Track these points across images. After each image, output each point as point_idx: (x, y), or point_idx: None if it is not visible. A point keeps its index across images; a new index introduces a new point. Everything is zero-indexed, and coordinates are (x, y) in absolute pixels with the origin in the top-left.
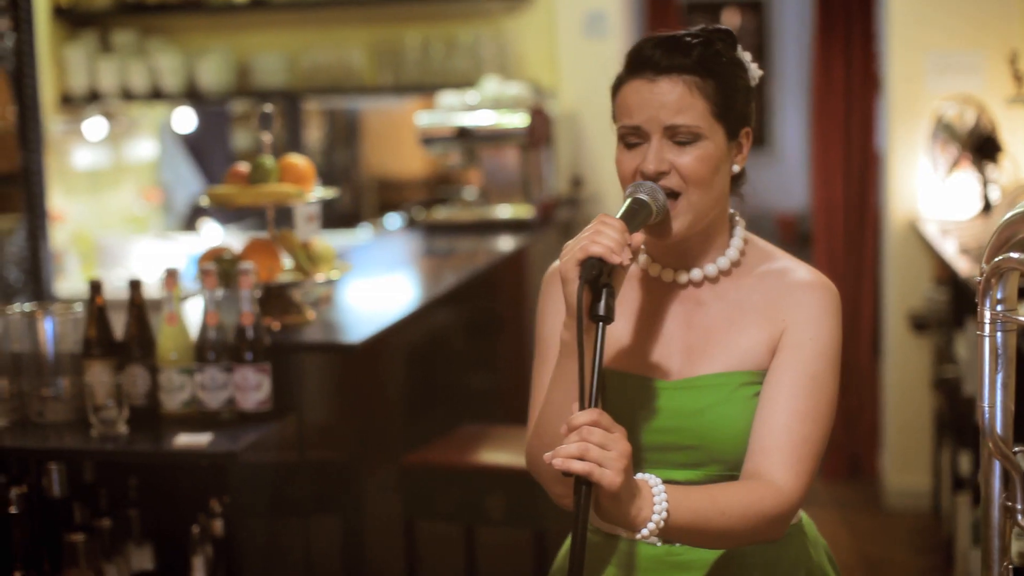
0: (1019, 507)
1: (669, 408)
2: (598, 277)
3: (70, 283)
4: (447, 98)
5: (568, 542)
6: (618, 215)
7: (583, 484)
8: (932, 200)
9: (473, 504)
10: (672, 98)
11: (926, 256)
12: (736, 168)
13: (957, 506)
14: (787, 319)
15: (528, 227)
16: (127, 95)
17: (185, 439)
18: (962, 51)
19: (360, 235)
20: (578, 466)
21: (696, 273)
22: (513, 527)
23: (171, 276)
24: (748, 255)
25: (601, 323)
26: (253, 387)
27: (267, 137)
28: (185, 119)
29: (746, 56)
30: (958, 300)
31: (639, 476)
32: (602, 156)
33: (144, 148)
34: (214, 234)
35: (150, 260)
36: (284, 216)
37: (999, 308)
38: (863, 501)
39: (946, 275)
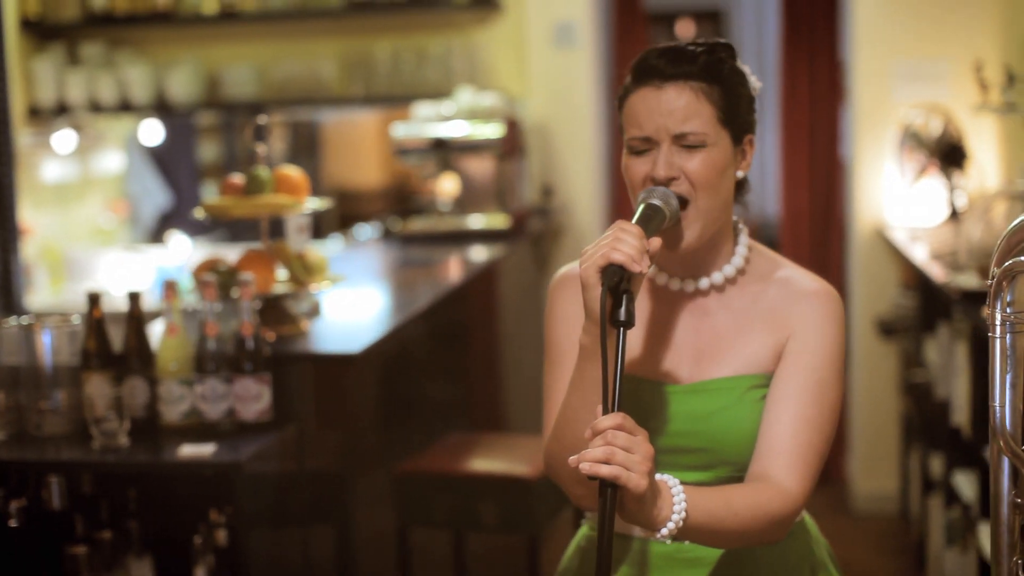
0: None
1: (680, 412)
2: (619, 283)
3: (39, 296)
4: (422, 109)
5: (574, 542)
6: (633, 221)
7: (608, 487)
8: (899, 207)
9: (466, 510)
10: (680, 104)
11: (893, 262)
12: (740, 174)
13: (929, 508)
14: (792, 326)
15: (503, 237)
16: (96, 108)
17: (189, 450)
18: (927, 60)
19: (331, 246)
20: (605, 470)
21: (704, 282)
22: (506, 533)
23: (171, 288)
24: (753, 263)
25: (622, 328)
26: (253, 397)
27: (261, 148)
28: (152, 131)
29: (746, 68)
30: (927, 305)
31: (657, 476)
32: (572, 166)
33: (111, 161)
34: (182, 247)
35: (119, 273)
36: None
37: (1009, 311)
38: (831, 505)
39: (914, 281)
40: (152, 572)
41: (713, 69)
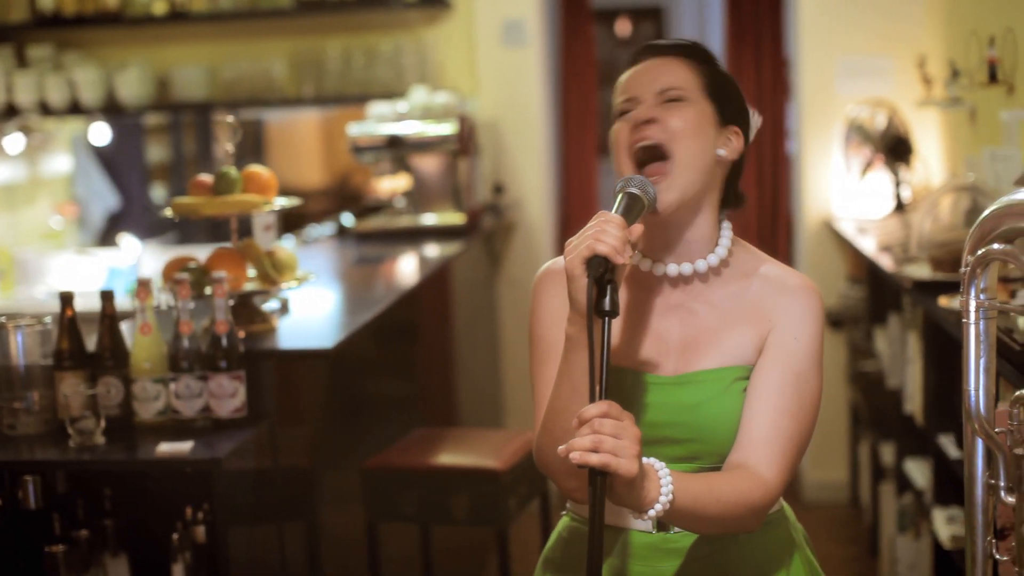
0: (1002, 484)
1: (665, 403)
2: (603, 274)
3: None
4: (377, 107)
5: (556, 532)
6: (613, 211)
7: (598, 476)
8: (846, 200)
9: (436, 504)
10: (665, 67)
11: (840, 255)
12: (722, 153)
13: (881, 495)
14: (774, 319)
15: (458, 234)
16: (45, 109)
17: (167, 447)
18: (871, 56)
19: (286, 245)
20: (594, 459)
21: (687, 267)
22: (476, 526)
23: (143, 287)
24: (737, 256)
25: (607, 318)
26: (228, 395)
27: (230, 148)
28: (100, 133)
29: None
30: (877, 296)
31: (644, 460)
32: (522, 163)
33: (59, 163)
34: (133, 248)
35: (70, 275)
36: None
37: (983, 297)
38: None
39: (862, 273)
40: (128, 570)
41: (705, 54)
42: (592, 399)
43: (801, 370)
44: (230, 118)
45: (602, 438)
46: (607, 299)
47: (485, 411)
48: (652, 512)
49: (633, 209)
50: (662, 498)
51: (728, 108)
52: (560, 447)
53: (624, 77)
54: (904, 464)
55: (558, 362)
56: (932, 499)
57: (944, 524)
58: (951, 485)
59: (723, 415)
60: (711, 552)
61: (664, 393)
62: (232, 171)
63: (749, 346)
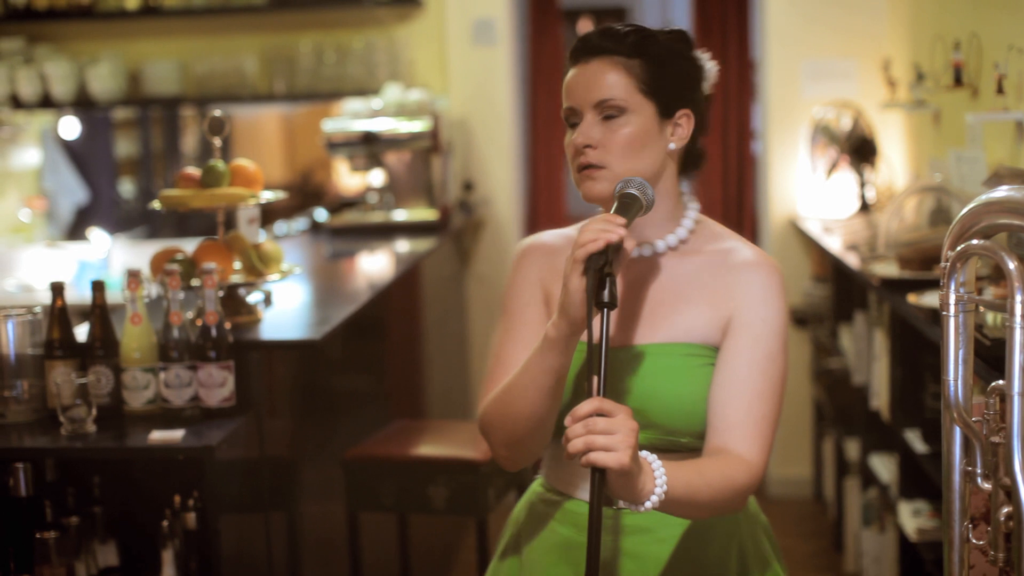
0: (978, 471)
1: (612, 373)
2: (603, 266)
3: None
4: (351, 104)
5: (525, 497)
6: (612, 211)
7: (597, 472)
8: (811, 200)
9: (416, 494)
10: (599, 75)
11: (805, 254)
12: (673, 146)
13: (846, 490)
14: (735, 299)
15: (431, 230)
16: (16, 103)
17: (159, 435)
18: (837, 59)
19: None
20: (591, 457)
21: (646, 249)
22: (455, 515)
23: (134, 278)
24: (699, 234)
25: (607, 310)
26: (218, 384)
27: (217, 141)
28: (70, 126)
29: (701, 55)
30: (842, 295)
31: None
32: (491, 161)
33: (28, 156)
34: (102, 242)
35: (39, 268)
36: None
37: (962, 291)
38: None
39: (827, 271)
40: (118, 557)
41: (638, 45)
42: (589, 394)
43: (770, 351)
44: (218, 112)
45: (593, 438)
46: (607, 291)
47: (454, 405)
48: (648, 504)
49: (631, 209)
50: (658, 490)
51: (670, 98)
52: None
53: (566, 79)
54: (869, 459)
55: (527, 336)
56: (898, 493)
57: (910, 517)
58: (917, 479)
59: (668, 388)
60: (680, 535)
61: (611, 363)
62: (220, 164)
63: (705, 325)
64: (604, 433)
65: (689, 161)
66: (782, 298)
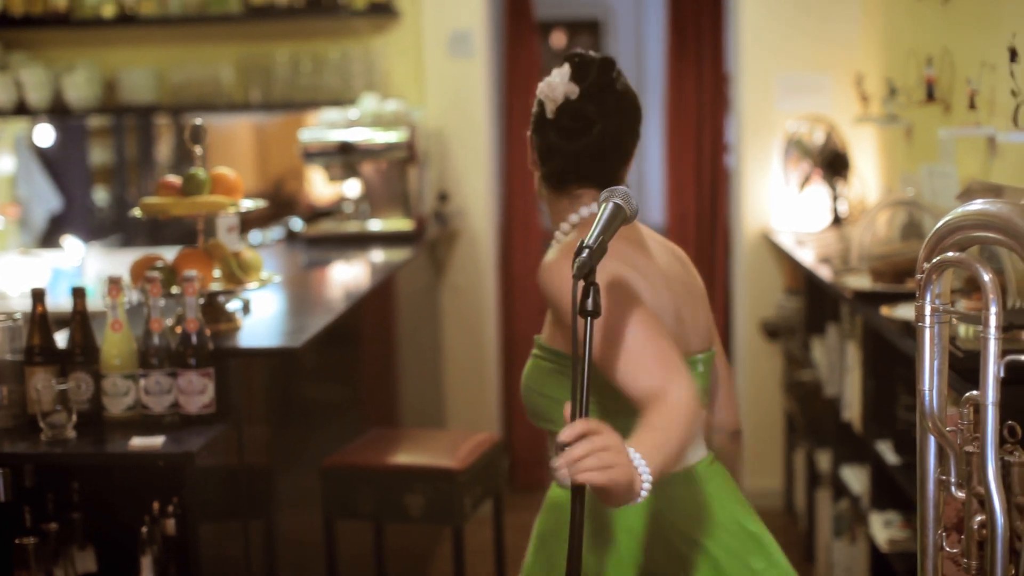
0: (952, 480)
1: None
2: (588, 275)
3: None
4: (328, 114)
5: (546, 504)
6: (598, 220)
7: (577, 492)
8: (784, 213)
9: (392, 503)
10: None
11: (778, 266)
12: (536, 171)
13: (817, 501)
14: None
15: (406, 240)
16: None
17: (140, 441)
18: (810, 74)
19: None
20: (593, 477)
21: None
22: (432, 524)
23: (115, 284)
24: (572, 237)
25: (590, 318)
26: (198, 391)
27: (198, 149)
28: (44, 134)
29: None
30: (814, 307)
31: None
32: (466, 172)
33: (2, 163)
34: (76, 250)
35: (13, 276)
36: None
37: (937, 302)
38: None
39: (799, 284)
40: (96, 563)
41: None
42: (574, 411)
43: (612, 322)
44: (198, 120)
45: (577, 466)
46: (590, 299)
47: (428, 415)
48: (644, 494)
49: (616, 219)
50: (645, 483)
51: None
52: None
53: None
54: (840, 471)
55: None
56: (869, 504)
57: (881, 528)
58: (888, 490)
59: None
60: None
61: None
62: (201, 172)
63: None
64: (588, 454)
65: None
66: (560, 287)
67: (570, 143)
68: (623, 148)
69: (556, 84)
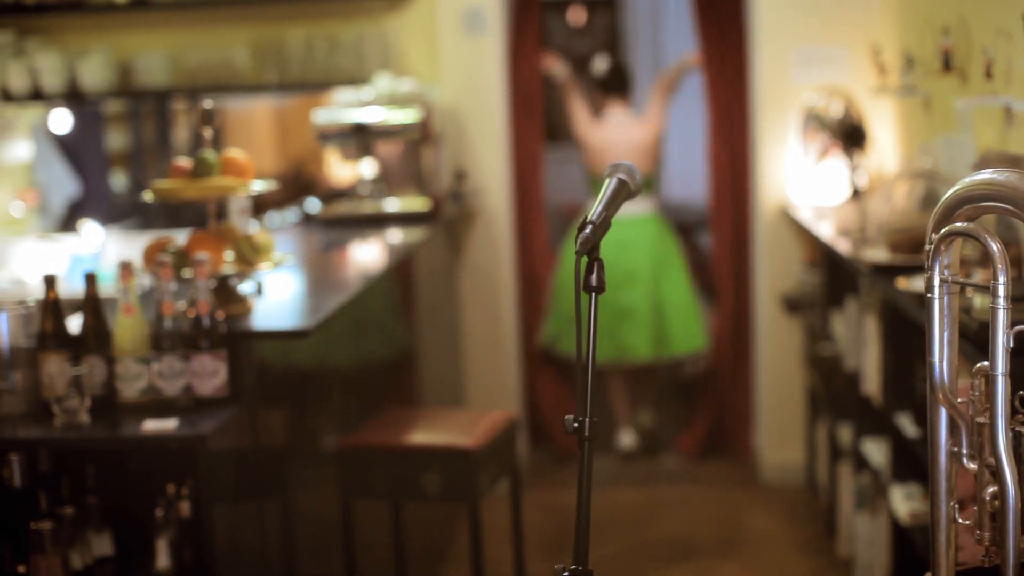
0: (964, 451)
1: None
2: (592, 251)
3: None
4: (342, 94)
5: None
6: (602, 195)
7: (584, 440)
8: (802, 186)
9: (409, 482)
10: None
11: (797, 240)
12: None
13: (839, 475)
14: None
15: (422, 220)
16: (6, 96)
17: (153, 424)
18: (827, 45)
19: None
20: None
21: None
22: (448, 503)
23: (126, 269)
24: None
25: (594, 293)
26: (210, 374)
27: (208, 132)
28: (61, 119)
29: None
30: (834, 281)
31: None
32: (483, 150)
33: (19, 149)
34: (95, 235)
35: (32, 261)
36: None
37: (946, 273)
38: (739, 477)
39: (819, 257)
40: (112, 546)
41: None
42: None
43: None
44: (208, 103)
45: None
46: (594, 275)
47: (448, 394)
48: None
49: (620, 193)
50: None
51: None
52: None
53: None
54: (861, 444)
55: None
56: (890, 476)
57: (902, 500)
58: (908, 462)
59: None
60: None
61: None
62: (211, 155)
63: None
64: None
65: None
66: None
67: None
68: None
69: None
